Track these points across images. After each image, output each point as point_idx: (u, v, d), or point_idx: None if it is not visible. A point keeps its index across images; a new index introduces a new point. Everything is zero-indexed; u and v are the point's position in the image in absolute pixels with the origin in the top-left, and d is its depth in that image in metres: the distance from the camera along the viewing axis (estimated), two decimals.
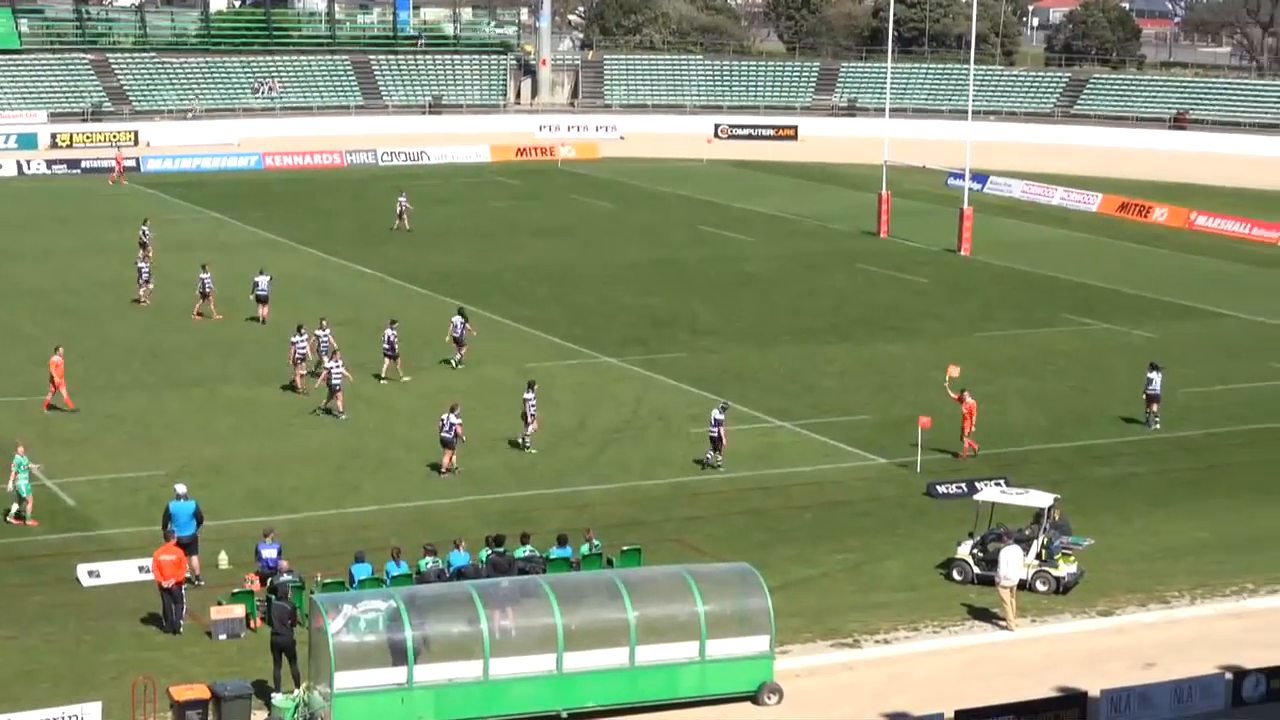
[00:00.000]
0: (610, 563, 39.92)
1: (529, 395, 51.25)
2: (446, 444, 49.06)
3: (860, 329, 69.76)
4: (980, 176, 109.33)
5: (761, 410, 55.51)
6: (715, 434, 49.84)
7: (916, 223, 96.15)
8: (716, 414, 50.07)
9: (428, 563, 38.41)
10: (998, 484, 45.95)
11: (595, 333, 67.80)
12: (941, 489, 47.89)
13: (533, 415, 51.19)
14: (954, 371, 53.17)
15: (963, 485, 47.60)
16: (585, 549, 40.01)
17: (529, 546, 39.38)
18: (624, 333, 68.06)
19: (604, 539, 41.15)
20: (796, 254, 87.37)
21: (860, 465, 50.89)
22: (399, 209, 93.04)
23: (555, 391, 57.53)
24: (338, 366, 54.58)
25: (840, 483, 49.21)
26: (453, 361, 61.54)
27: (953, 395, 51.81)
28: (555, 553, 39.58)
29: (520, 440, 51.50)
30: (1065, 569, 40.68)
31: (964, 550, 41.29)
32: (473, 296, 72.05)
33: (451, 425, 48.90)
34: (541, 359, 62.88)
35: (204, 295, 69.33)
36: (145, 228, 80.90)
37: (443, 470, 48.97)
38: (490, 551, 38.84)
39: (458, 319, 62.12)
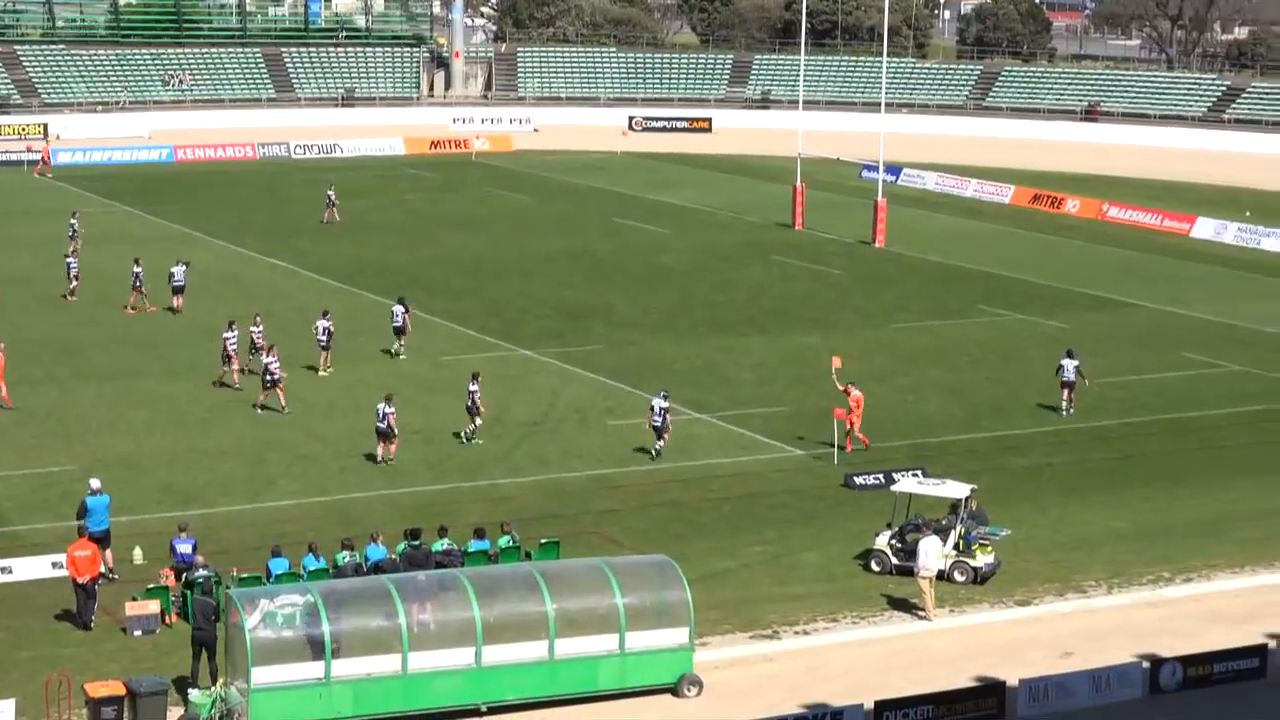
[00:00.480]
0: (528, 556, 39.73)
1: (474, 387, 50.97)
2: (382, 435, 48.88)
3: (776, 321, 69.84)
4: (894, 169, 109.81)
5: (679, 402, 55.13)
6: (659, 423, 49.77)
7: (831, 215, 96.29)
8: (660, 403, 49.94)
9: (345, 557, 38.13)
10: (915, 474, 45.88)
11: (511, 325, 67.59)
12: (859, 480, 47.93)
13: (479, 407, 50.92)
14: (838, 363, 52.98)
15: (880, 476, 47.61)
16: (503, 542, 39.79)
17: (446, 540, 39.14)
18: (540, 325, 67.90)
19: (522, 532, 40.92)
20: (712, 246, 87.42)
21: (778, 457, 50.90)
22: (328, 201, 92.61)
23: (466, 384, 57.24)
24: (274, 361, 54.20)
25: (758, 475, 49.18)
26: (393, 351, 61.45)
27: (839, 387, 51.72)
28: (473, 546, 39.35)
29: (465, 433, 51.20)
30: (983, 559, 40.73)
31: (882, 541, 41.31)
32: (388, 289, 71.70)
33: (385, 415, 48.73)
34: (457, 352, 62.59)
35: (138, 289, 68.68)
36: (74, 220, 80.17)
37: (379, 459, 48.76)
38: (407, 545, 38.61)
39: (398, 308, 61.84)
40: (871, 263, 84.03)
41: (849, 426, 50.94)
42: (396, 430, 49.07)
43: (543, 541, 40.61)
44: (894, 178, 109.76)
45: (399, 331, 61.74)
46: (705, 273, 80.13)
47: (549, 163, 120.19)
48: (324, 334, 59.13)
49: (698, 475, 48.99)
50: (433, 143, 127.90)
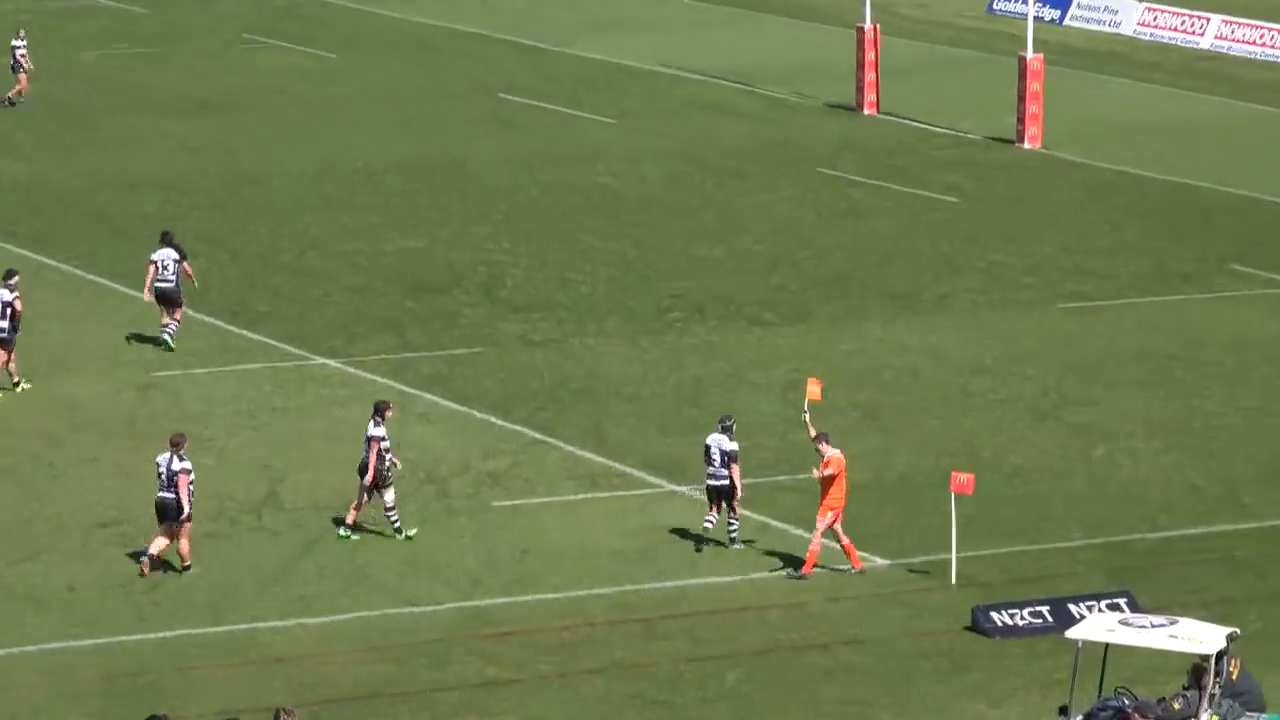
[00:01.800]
0: None
1: (378, 431, 50.90)
2: (168, 515, 48.51)
3: (828, 295, 70.13)
4: None
5: (634, 462, 55.30)
6: (722, 480, 50.13)
7: (935, 87, 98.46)
8: (723, 442, 50.19)
9: None
10: (1115, 606, 45.56)
11: (295, 309, 68.00)
12: (999, 618, 47.38)
13: (391, 469, 50.93)
14: (815, 392, 52.07)
15: (1042, 610, 47.25)
16: None
17: None
18: (356, 309, 68.19)
19: None
20: (699, 150, 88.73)
21: (836, 572, 50.39)
22: (16, 63, 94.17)
23: (210, 425, 57.47)
24: None
25: (797, 606, 48.71)
26: (161, 339, 62.78)
27: (811, 435, 50.78)
28: None
29: (350, 520, 51.39)
30: None
31: None
32: (47, 238, 72.21)
33: (173, 478, 48.37)
34: (184, 362, 62.73)
35: None
36: None
37: (147, 566, 48.59)
38: None
39: (166, 254, 62.46)
40: (1016, 180, 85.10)
41: (828, 523, 50.18)
42: (190, 510, 48.67)
43: None
44: (1060, 13, 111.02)
45: (167, 300, 62.35)
46: (685, 202, 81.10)
47: None
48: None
49: (670, 610, 48.54)
50: None
